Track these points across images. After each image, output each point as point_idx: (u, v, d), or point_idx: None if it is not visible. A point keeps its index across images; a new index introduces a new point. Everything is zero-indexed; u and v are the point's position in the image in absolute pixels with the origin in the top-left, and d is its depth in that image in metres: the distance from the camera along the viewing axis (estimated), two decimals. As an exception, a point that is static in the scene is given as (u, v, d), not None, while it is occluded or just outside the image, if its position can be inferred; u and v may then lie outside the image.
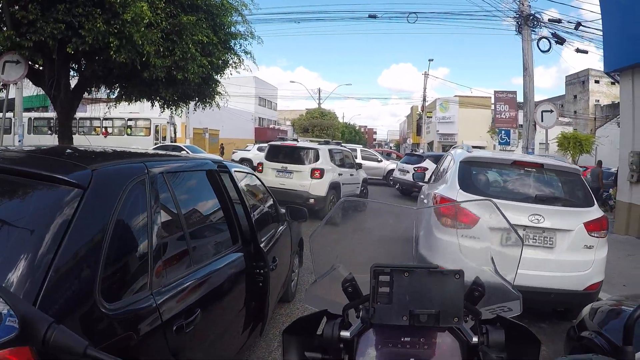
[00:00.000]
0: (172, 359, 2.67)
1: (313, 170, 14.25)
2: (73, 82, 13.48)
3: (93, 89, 14.71)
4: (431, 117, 65.19)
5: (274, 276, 4.84)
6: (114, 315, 2.24)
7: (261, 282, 4.20)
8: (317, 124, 63.42)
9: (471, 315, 1.71)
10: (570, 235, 5.96)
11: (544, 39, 19.13)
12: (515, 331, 1.69)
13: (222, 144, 47.76)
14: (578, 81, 64.18)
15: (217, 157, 20.85)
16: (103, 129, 35.34)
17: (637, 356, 1.62)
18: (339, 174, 15.33)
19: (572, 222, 6.00)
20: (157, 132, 35.36)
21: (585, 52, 20.39)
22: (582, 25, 18.82)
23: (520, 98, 23.87)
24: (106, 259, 2.32)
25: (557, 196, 6.42)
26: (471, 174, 6.65)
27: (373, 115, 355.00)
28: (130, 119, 35.48)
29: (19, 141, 14.10)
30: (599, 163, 22.88)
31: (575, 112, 62.34)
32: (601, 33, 16.24)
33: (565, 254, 5.93)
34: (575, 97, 64.88)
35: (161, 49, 10.96)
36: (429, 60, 69.22)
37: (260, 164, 15.46)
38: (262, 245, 4.45)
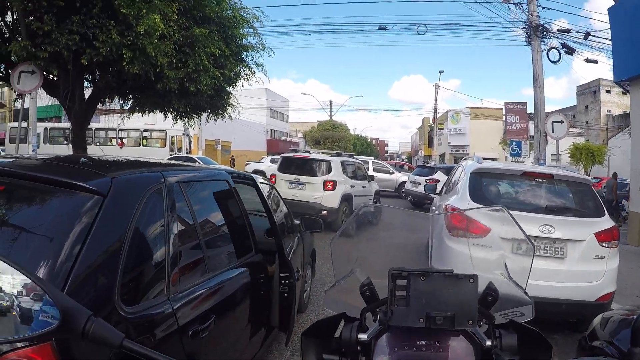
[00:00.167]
0: None
1: (325, 182, 14.30)
2: (87, 93, 13.57)
3: (107, 99, 14.79)
4: (442, 128, 65.09)
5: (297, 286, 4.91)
6: (132, 319, 2.30)
7: (286, 292, 4.24)
8: (329, 136, 63.51)
9: (485, 319, 1.73)
10: (581, 245, 5.94)
11: (553, 49, 19.13)
12: (528, 336, 1.71)
13: (232, 155, 47.88)
14: (589, 91, 63.72)
15: (229, 169, 20.97)
16: (119, 140, 35.61)
17: None
18: (351, 186, 15.34)
19: (582, 233, 5.98)
20: (172, 143, 35.64)
21: (595, 62, 20.37)
22: (592, 35, 18.83)
23: (531, 109, 23.79)
24: (125, 264, 2.37)
25: (567, 206, 6.43)
26: (482, 185, 6.67)
27: (384, 127, 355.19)
28: (145, 130, 35.82)
29: (33, 150, 14.24)
30: (614, 175, 22.69)
31: (586, 122, 61.89)
32: (610, 43, 16.23)
33: (577, 265, 5.91)
34: (586, 107, 64.41)
35: (174, 61, 11.02)
36: (440, 71, 69.39)
37: (273, 175, 15.53)
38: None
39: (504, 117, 35.38)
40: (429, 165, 31.80)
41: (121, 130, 33.54)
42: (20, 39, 10.13)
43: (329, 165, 14.75)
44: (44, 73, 11.21)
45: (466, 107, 64.94)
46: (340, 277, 2.08)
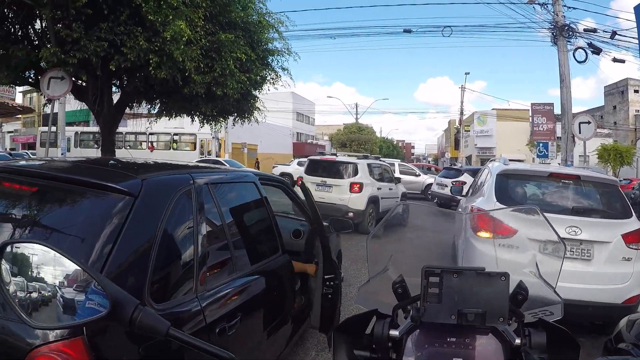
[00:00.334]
0: None
1: (352, 184, 14.30)
2: (115, 98, 13.72)
3: (134, 104, 14.95)
4: (469, 130, 64.63)
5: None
6: (161, 315, 2.36)
7: (330, 294, 4.27)
8: (355, 138, 63.40)
9: (514, 317, 1.75)
10: (608, 247, 5.87)
11: (580, 49, 18.89)
12: (556, 334, 1.73)
13: (257, 158, 48.05)
14: (617, 91, 62.59)
15: (256, 171, 21.08)
16: (149, 144, 36.07)
17: None
18: (378, 188, 15.33)
19: (609, 234, 5.91)
20: (202, 146, 35.96)
21: (622, 61, 20.09)
22: (618, 34, 18.56)
23: (557, 110, 23.52)
24: (155, 263, 2.44)
25: (594, 208, 6.36)
26: (508, 187, 6.63)
27: (410, 130, 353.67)
28: (175, 134, 36.22)
29: (62, 153, 14.50)
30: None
31: (615, 123, 60.79)
32: (637, 41, 15.98)
33: (603, 266, 5.84)
34: (614, 107, 63.30)
35: (201, 66, 11.12)
36: (466, 73, 68.43)
37: (300, 178, 15.54)
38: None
39: (530, 118, 35.01)
40: (455, 167, 31.59)
41: (151, 134, 33.93)
42: (49, 45, 10.26)
43: (356, 167, 14.77)
44: (73, 79, 11.37)
45: (492, 109, 64.35)
46: (374, 274, 2.11)
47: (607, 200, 6.45)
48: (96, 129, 29.03)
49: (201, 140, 35.75)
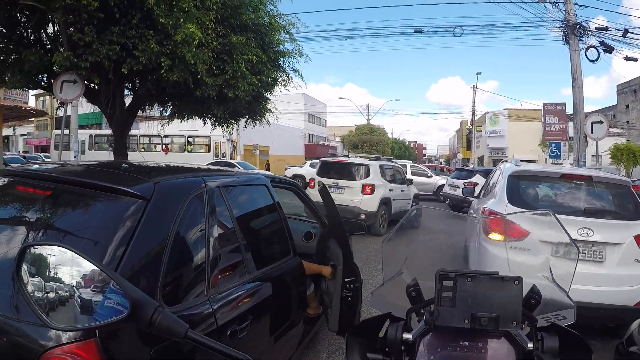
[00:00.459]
0: None
1: (364, 186, 14.31)
2: (127, 101, 13.82)
3: (147, 107, 15.00)
4: (481, 131, 64.37)
5: None
6: None
7: (350, 297, 4.28)
8: (367, 140, 63.37)
9: (527, 321, 1.76)
10: (620, 248, 5.79)
11: (592, 48, 18.76)
12: (569, 339, 1.72)
13: (267, 160, 48.16)
14: (630, 90, 61.86)
15: (268, 173, 21.13)
16: (164, 146, 36.38)
17: None
18: (390, 190, 15.32)
19: (622, 236, 5.83)
20: (216, 149, 36.19)
21: (635, 59, 19.88)
22: (630, 32, 18.42)
23: (570, 109, 23.36)
24: (167, 266, 2.47)
25: (606, 209, 6.30)
26: (519, 188, 6.59)
27: (422, 131, 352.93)
28: (190, 136, 36.47)
29: (75, 157, 14.57)
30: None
31: (627, 122, 60.18)
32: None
33: (615, 268, 5.76)
34: (627, 106, 62.58)
35: (213, 68, 11.17)
36: (477, 73, 68.46)
37: (312, 179, 15.67)
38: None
39: (542, 118, 34.80)
40: (467, 168, 31.46)
41: (166, 136, 34.28)
42: (62, 49, 10.32)
43: (368, 169, 14.78)
44: (86, 82, 11.44)
45: (504, 109, 64.03)
46: (389, 277, 2.12)
47: (619, 202, 6.39)
48: (110, 131, 29.37)
49: (215, 143, 35.95)
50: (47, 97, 47.37)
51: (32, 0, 9.60)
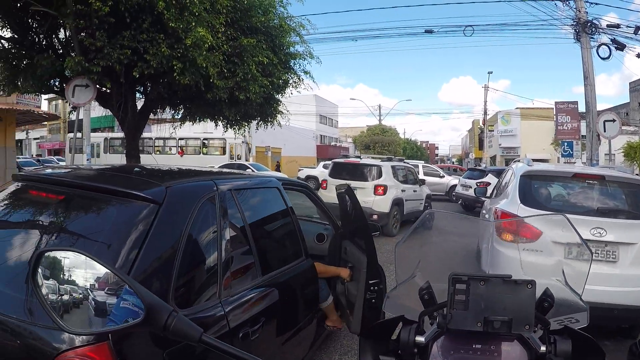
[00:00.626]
0: None
1: (376, 187, 14.32)
2: (139, 104, 13.89)
3: (158, 110, 15.08)
4: (493, 130, 64.06)
5: None
6: None
7: (374, 299, 4.27)
8: (379, 140, 63.36)
9: (540, 324, 1.75)
10: (634, 248, 5.73)
11: (603, 46, 18.64)
12: (581, 342, 1.72)
13: (278, 162, 48.25)
14: (642, 87, 61.45)
15: (284, 175, 21.20)
16: (179, 149, 36.61)
17: None
18: (402, 190, 15.32)
19: (635, 235, 5.77)
20: (231, 151, 36.40)
21: (646, 56, 19.73)
22: (642, 29, 18.26)
23: (582, 108, 23.21)
24: (179, 269, 2.49)
25: (619, 208, 6.25)
26: (532, 188, 6.56)
27: (434, 131, 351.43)
28: (205, 139, 36.71)
29: (87, 160, 14.67)
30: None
31: (640, 120, 59.75)
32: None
33: (629, 268, 5.69)
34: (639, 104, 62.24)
35: (224, 71, 11.19)
36: (488, 72, 68.21)
37: (325, 180, 15.69)
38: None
39: (554, 117, 34.60)
40: (479, 168, 31.31)
41: (181, 139, 34.55)
42: (74, 54, 10.38)
43: (380, 170, 14.79)
44: (97, 86, 11.51)
45: (516, 108, 63.61)
46: (402, 280, 2.12)
47: (632, 201, 6.32)
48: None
49: (230, 145, 36.16)
50: (60, 101, 47.70)
51: (44, 6, 9.68)
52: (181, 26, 9.68)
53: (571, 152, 25.64)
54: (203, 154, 36.32)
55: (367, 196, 14.16)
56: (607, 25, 19.02)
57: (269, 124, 15.94)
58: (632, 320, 5.92)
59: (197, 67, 10.18)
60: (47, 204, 2.89)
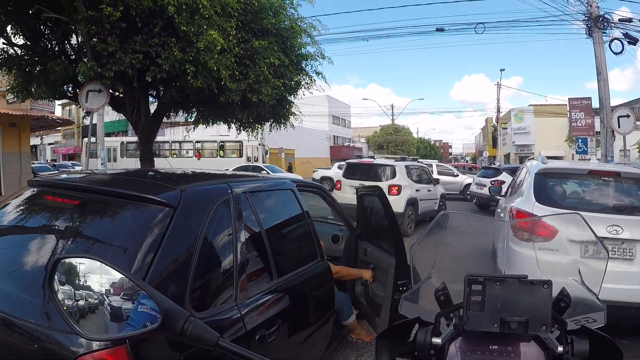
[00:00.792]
0: None
1: (390, 187, 14.18)
2: (152, 108, 13.94)
3: (171, 113, 15.14)
4: (506, 128, 63.82)
5: None
6: None
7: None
8: (392, 140, 63.29)
9: (557, 325, 1.74)
10: None
11: (616, 40, 18.47)
12: (599, 342, 1.70)
13: (290, 163, 48.31)
14: (657, 82, 60.80)
15: (298, 177, 21.21)
16: (196, 152, 36.84)
17: None
18: (416, 190, 15.26)
19: None
20: (248, 153, 36.47)
21: (658, 50, 19.55)
22: (655, 23, 18.10)
23: (596, 103, 23.02)
24: (195, 272, 2.50)
25: (636, 205, 6.15)
26: (547, 186, 6.51)
27: (447, 129, 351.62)
28: (222, 142, 36.90)
29: (102, 164, 14.76)
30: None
31: (655, 115, 59.18)
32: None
33: None
34: (654, 98, 61.67)
35: (236, 73, 11.23)
36: (501, 70, 67.81)
37: (339, 181, 15.69)
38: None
39: (568, 113, 34.34)
40: (493, 166, 31.14)
41: (197, 142, 34.72)
42: (86, 60, 10.46)
43: (394, 170, 14.76)
44: (110, 91, 11.57)
45: (529, 105, 63.21)
46: (418, 282, 2.11)
47: (649, 198, 6.26)
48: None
49: (247, 147, 36.23)
50: (73, 106, 48.03)
51: (55, 13, 9.76)
52: (192, 30, 9.72)
53: (585, 149, 25.43)
54: (220, 156, 36.48)
55: None
56: (619, 20, 18.85)
57: (282, 125, 15.96)
58: None
59: (209, 70, 10.22)
60: (62, 209, 2.91)
